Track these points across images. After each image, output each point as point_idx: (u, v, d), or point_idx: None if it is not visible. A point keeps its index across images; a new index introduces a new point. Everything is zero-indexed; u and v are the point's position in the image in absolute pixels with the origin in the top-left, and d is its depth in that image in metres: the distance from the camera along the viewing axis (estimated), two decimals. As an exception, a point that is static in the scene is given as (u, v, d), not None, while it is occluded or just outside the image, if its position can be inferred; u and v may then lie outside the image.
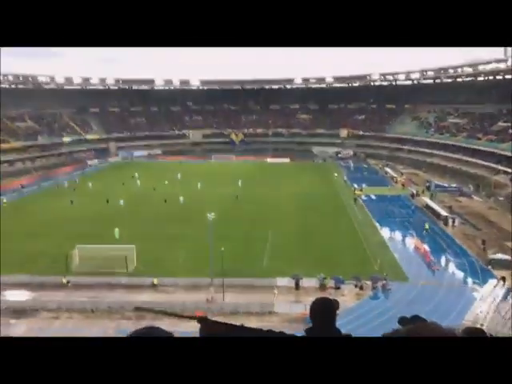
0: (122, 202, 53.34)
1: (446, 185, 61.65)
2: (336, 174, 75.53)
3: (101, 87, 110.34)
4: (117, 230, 40.68)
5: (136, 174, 72.03)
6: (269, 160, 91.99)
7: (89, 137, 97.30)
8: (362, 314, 26.65)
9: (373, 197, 58.56)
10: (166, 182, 66.62)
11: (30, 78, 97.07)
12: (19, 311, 27.62)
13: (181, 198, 54.16)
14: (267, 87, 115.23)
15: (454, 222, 44.53)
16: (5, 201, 55.47)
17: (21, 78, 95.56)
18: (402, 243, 40.95)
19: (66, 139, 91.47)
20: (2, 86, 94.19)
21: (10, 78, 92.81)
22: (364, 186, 63.95)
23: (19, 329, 25.63)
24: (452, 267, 34.77)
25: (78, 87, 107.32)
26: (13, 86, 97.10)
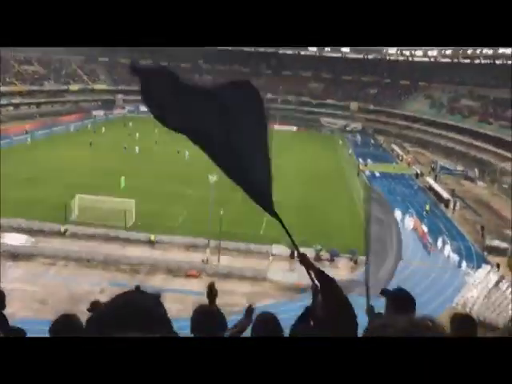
0: (137, 149, 56.03)
1: (451, 167, 61.18)
2: (342, 147, 74.97)
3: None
4: (123, 178, 41.06)
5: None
6: (275, 127, 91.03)
7: (96, 87, 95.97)
8: (354, 287, 26.89)
9: (377, 173, 58.21)
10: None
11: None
12: (16, 255, 27.95)
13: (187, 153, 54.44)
14: (281, 52, 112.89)
15: (455, 205, 44.40)
16: (29, 140, 59.25)
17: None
18: (401, 222, 40.94)
19: (73, 87, 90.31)
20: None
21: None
22: (369, 161, 63.56)
23: (16, 272, 25.97)
24: (448, 250, 34.89)
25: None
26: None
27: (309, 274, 2.83)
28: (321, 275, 2.68)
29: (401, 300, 2.63)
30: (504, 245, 33.94)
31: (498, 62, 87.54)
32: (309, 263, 2.79)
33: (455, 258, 33.62)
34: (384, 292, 2.65)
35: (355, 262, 30.21)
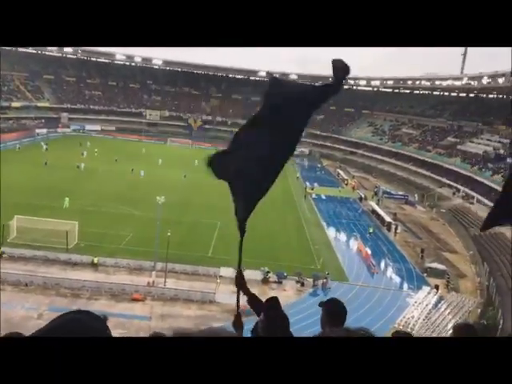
0: (82, 166, 57.46)
1: (393, 192, 63.70)
2: (290, 171, 76.30)
3: (58, 54, 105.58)
4: (67, 199, 39.80)
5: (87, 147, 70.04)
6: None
7: (40, 104, 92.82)
8: (301, 310, 27.10)
9: (323, 197, 59.61)
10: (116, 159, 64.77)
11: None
12: None
13: (141, 172, 56.72)
14: (231, 76, 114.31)
15: (396, 228, 46.09)
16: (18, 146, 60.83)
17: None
18: (346, 244, 42.01)
19: (15, 104, 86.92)
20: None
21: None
22: (316, 185, 65.00)
23: None
24: (390, 272, 36.05)
25: (33, 51, 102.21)
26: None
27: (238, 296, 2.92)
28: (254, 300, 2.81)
29: (333, 310, 2.86)
30: (442, 267, 35.51)
31: (435, 93, 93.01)
32: (243, 286, 2.92)
33: (397, 279, 34.78)
34: (320, 304, 2.92)
35: (302, 285, 30.55)
